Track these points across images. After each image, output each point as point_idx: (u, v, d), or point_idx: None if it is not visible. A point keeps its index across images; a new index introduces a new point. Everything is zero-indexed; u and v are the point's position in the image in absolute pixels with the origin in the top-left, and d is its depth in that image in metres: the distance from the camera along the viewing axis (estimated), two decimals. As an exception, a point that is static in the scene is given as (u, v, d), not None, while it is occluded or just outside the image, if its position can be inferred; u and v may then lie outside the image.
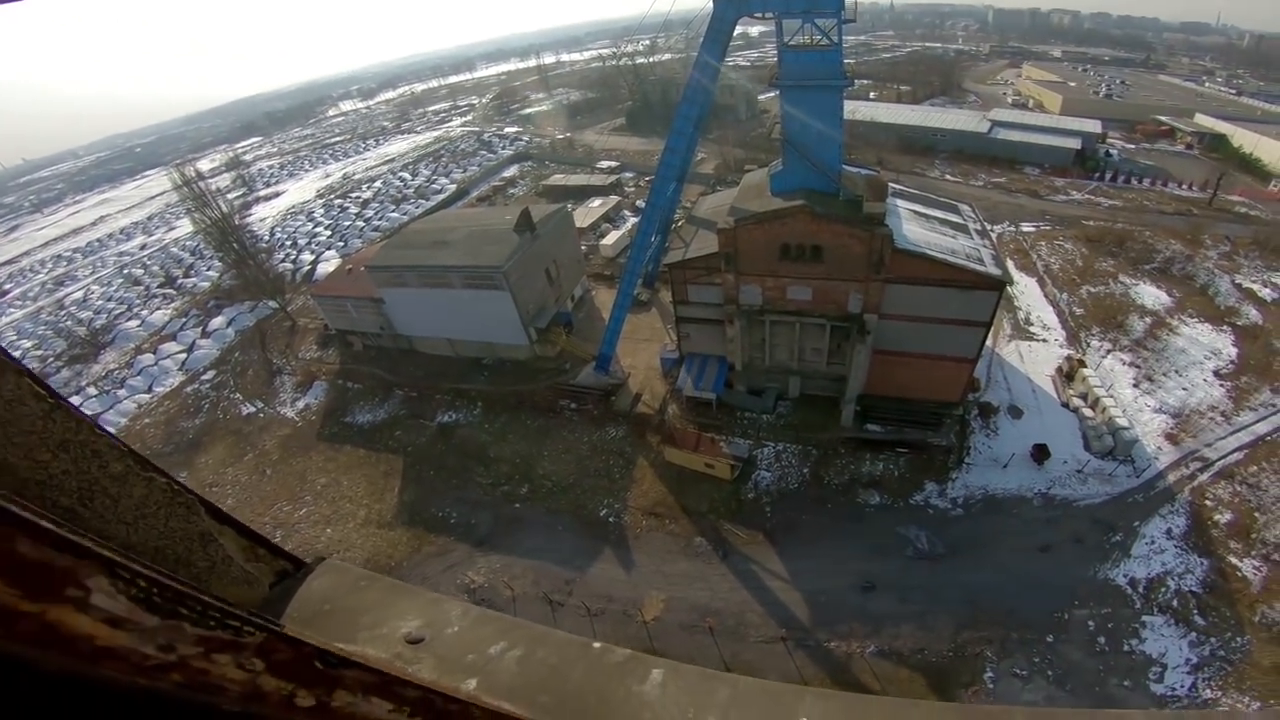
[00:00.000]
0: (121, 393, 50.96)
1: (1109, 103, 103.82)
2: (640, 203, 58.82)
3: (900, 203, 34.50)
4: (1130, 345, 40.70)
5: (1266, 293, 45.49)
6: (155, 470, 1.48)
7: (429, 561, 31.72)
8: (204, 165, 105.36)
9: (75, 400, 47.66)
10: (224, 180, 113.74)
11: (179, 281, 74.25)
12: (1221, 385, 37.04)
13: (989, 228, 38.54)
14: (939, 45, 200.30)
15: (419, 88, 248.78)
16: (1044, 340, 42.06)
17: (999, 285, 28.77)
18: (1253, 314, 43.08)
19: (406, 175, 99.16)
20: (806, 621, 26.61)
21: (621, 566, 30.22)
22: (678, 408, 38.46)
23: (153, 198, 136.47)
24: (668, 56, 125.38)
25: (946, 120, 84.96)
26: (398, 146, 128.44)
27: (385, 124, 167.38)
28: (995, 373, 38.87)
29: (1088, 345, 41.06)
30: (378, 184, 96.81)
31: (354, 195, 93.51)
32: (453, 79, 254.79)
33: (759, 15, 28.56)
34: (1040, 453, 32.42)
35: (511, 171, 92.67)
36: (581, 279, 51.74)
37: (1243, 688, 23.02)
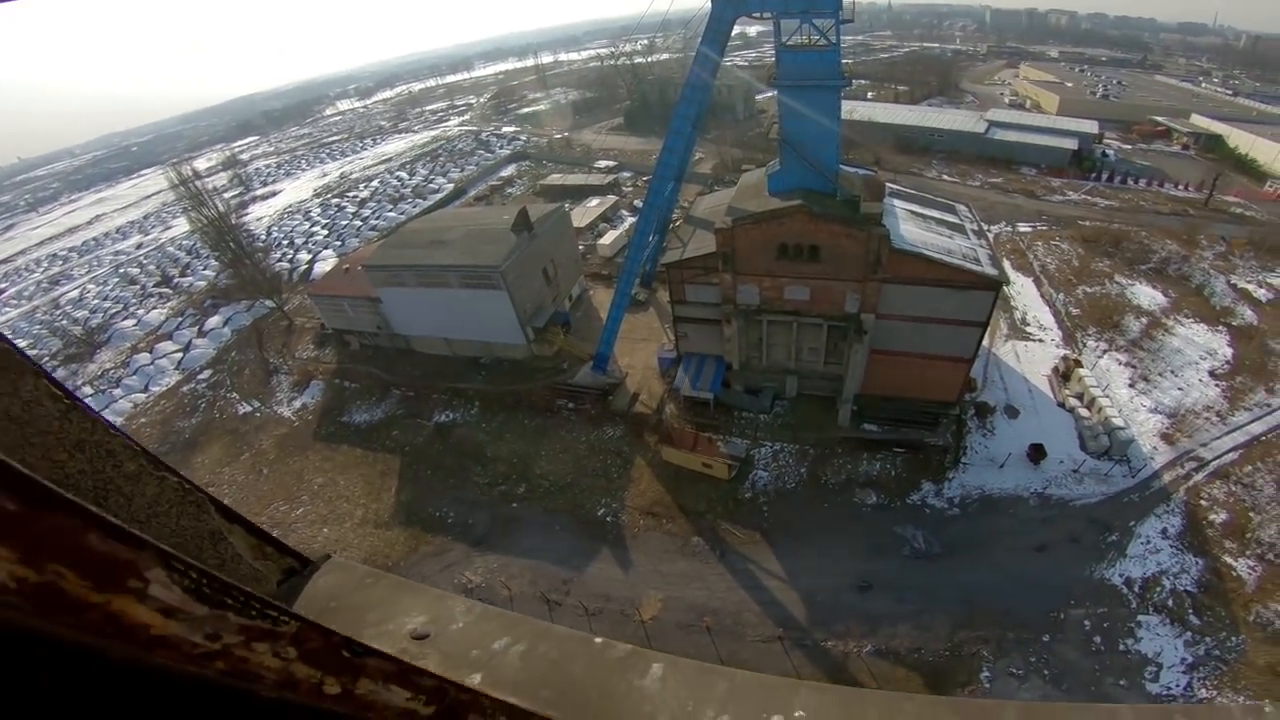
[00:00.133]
0: (117, 392, 50.78)
1: (1106, 103, 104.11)
2: (638, 202, 58.82)
3: (897, 203, 34.57)
4: (1126, 345, 40.85)
5: (1261, 293, 45.70)
6: (167, 469, 1.50)
7: (426, 561, 31.70)
8: (201, 164, 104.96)
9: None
10: (221, 179, 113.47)
11: (175, 281, 74.04)
12: (1217, 385, 37.20)
13: (986, 228, 38.64)
14: (936, 45, 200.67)
15: (416, 87, 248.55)
16: (1040, 340, 42.18)
17: (995, 285, 28.84)
18: (1248, 314, 43.27)
19: (404, 174, 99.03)
20: (804, 621, 26.66)
21: (619, 566, 30.24)
22: (675, 407, 38.50)
23: (149, 197, 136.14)
24: (666, 56, 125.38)
25: (944, 120, 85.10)
26: (395, 146, 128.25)
27: (383, 123, 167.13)
28: (992, 373, 38.97)
29: (1084, 345, 41.20)
30: (375, 183, 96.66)
31: (351, 194, 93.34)
32: (450, 78, 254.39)
33: (757, 15, 28.57)
34: (1036, 452, 32.51)
35: (509, 171, 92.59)
36: (579, 278, 51.76)
37: (1238, 687, 23.13)
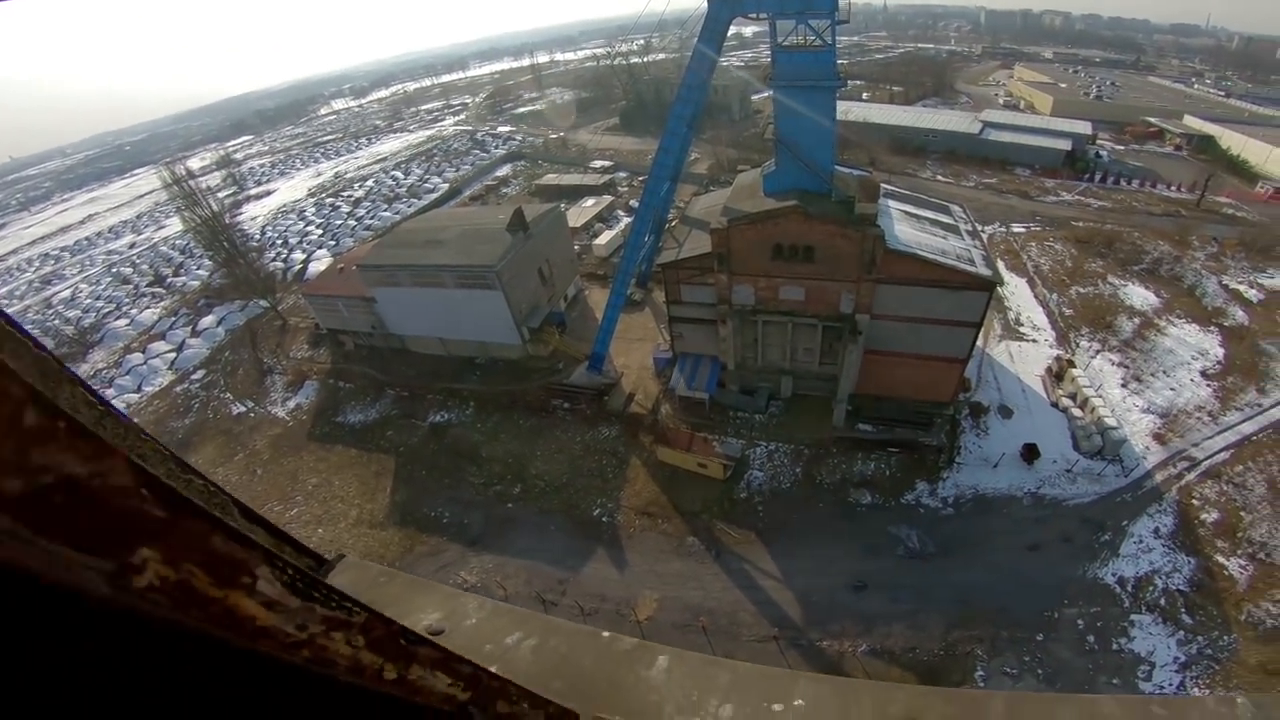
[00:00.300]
0: (110, 392, 50.43)
1: (1099, 104, 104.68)
2: (634, 202, 58.88)
3: (892, 203, 34.71)
4: (1119, 346, 41.11)
5: (1252, 294, 46.05)
6: (194, 472, 1.53)
7: (421, 561, 31.62)
8: (194, 164, 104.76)
9: (63, 400, 47.08)
10: (214, 179, 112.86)
11: (168, 280, 73.67)
12: (1208, 385, 37.49)
13: (980, 228, 38.86)
14: (931, 46, 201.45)
15: (412, 86, 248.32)
16: (1034, 340, 42.41)
17: (989, 286, 29.00)
18: (1239, 315, 43.62)
19: (399, 174, 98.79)
20: (799, 620, 26.75)
21: (615, 566, 30.27)
22: (670, 407, 38.55)
23: (142, 196, 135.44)
24: (662, 56, 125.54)
25: (938, 121, 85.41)
26: (390, 145, 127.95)
27: (378, 123, 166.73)
28: (986, 373, 39.16)
29: (1077, 345, 41.45)
30: (370, 183, 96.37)
31: (346, 194, 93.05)
32: (446, 78, 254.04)
33: (753, 16, 28.68)
34: (1030, 452, 32.70)
35: (504, 171, 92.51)
36: (575, 278, 51.75)
37: (1230, 686, 23.31)
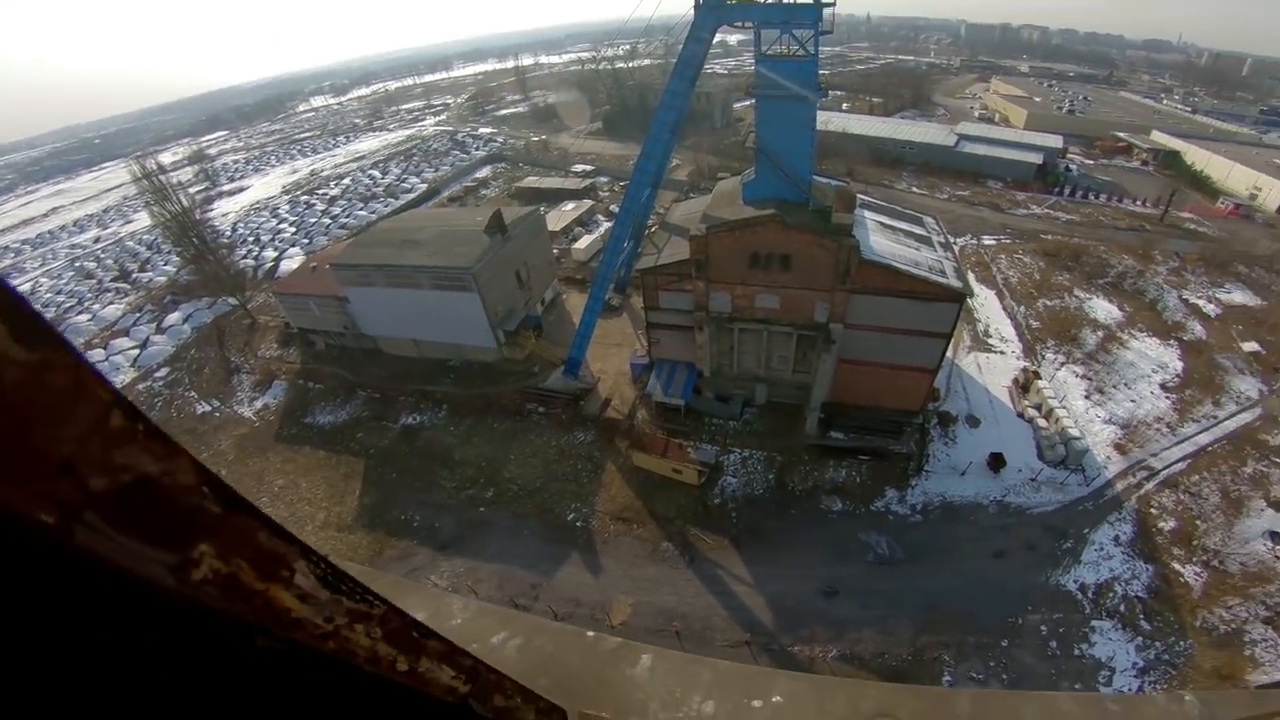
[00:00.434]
0: (71, 390, 48.91)
1: (1071, 118, 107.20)
2: (614, 207, 58.93)
3: (868, 214, 35.15)
4: (1083, 358, 42.10)
5: (1210, 308, 47.54)
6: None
7: (391, 565, 31.15)
8: (166, 158, 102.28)
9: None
10: (186, 174, 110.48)
11: (134, 275, 71.87)
12: (1167, 398, 38.57)
13: (952, 240, 39.55)
14: (912, 58, 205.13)
15: (393, 85, 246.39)
16: (1001, 352, 43.24)
17: (960, 298, 29.47)
18: (1197, 329, 44.97)
19: (376, 173, 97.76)
20: (771, 626, 26.87)
21: (589, 571, 30.13)
22: (646, 413, 38.55)
23: (109, 190, 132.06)
24: (647, 62, 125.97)
25: (915, 133, 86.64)
26: (369, 144, 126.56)
27: (357, 121, 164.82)
28: (955, 383, 39.81)
29: (1043, 358, 42.36)
30: (346, 181, 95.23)
31: (321, 192, 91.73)
32: (428, 78, 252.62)
33: (738, 24, 28.91)
34: (996, 461, 33.27)
35: (484, 172, 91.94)
36: (553, 282, 51.55)
37: (1186, 690, 23.91)
